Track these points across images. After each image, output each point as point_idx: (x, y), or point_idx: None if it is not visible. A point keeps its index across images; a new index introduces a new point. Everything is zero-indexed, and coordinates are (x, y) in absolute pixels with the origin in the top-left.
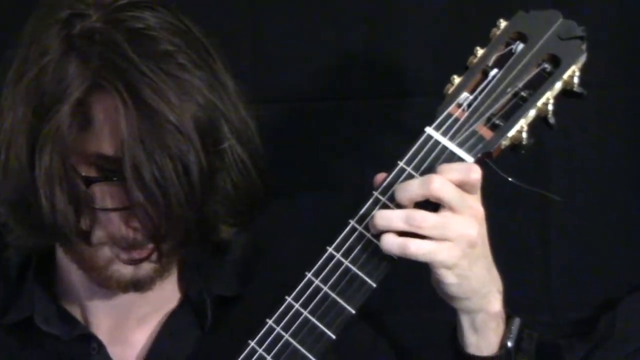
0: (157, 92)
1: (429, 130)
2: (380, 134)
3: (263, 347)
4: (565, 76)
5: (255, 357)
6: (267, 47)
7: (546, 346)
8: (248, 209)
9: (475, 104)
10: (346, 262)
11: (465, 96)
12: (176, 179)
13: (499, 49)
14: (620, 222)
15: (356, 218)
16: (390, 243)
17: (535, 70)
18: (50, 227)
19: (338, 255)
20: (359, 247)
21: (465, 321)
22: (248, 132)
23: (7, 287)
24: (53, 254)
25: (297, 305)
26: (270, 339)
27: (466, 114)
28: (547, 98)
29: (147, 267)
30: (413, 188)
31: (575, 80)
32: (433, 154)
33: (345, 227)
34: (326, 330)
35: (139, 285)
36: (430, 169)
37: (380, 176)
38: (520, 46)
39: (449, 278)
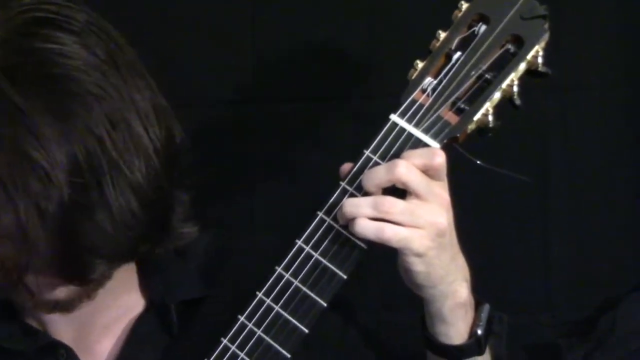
0: (31, 131)
1: (393, 117)
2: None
3: (235, 344)
4: (529, 56)
5: (228, 354)
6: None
7: (531, 336)
8: (130, 244)
9: (439, 88)
10: (316, 255)
11: (429, 81)
12: (37, 222)
13: (461, 32)
14: (620, 222)
15: (324, 209)
16: (366, 227)
17: (498, 52)
18: None
19: (307, 248)
20: (328, 239)
21: (432, 310)
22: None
23: None
24: None
25: (268, 301)
26: (242, 335)
27: (430, 99)
28: (512, 80)
29: (65, 291)
30: (379, 174)
31: (540, 60)
32: (399, 142)
33: (313, 219)
34: (299, 325)
35: (63, 308)
36: (396, 157)
37: (346, 166)
38: (482, 28)
39: (418, 266)
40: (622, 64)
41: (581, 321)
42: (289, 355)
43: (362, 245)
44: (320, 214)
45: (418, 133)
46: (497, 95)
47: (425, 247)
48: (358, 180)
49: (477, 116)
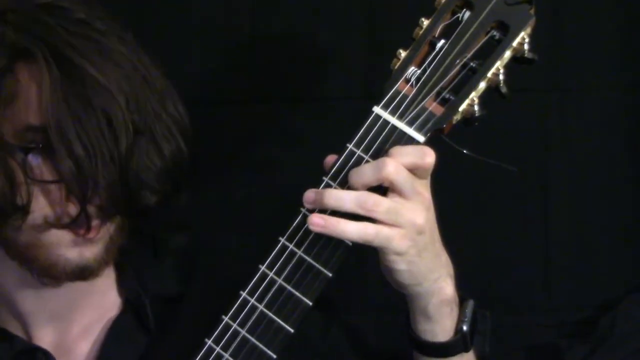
0: (79, 51)
1: (376, 109)
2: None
3: (220, 345)
4: (515, 43)
5: (212, 356)
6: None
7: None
8: (173, 177)
9: (423, 78)
10: (300, 252)
11: (412, 70)
12: (100, 134)
13: (444, 19)
14: (620, 222)
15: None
16: (349, 227)
17: (483, 39)
18: None
19: (291, 246)
20: (312, 236)
21: (417, 308)
22: (173, 98)
23: None
24: None
25: (252, 300)
26: (227, 336)
27: (414, 89)
28: (497, 68)
29: (92, 251)
30: (367, 172)
31: (526, 46)
32: (382, 135)
33: (297, 216)
34: (284, 325)
35: (86, 271)
36: (381, 150)
37: (329, 158)
38: (466, 14)
39: (400, 264)
40: (622, 65)
41: (581, 321)
42: (274, 356)
43: (347, 242)
44: (304, 211)
45: (402, 125)
46: (482, 85)
47: (405, 245)
48: (341, 176)
49: (463, 106)
